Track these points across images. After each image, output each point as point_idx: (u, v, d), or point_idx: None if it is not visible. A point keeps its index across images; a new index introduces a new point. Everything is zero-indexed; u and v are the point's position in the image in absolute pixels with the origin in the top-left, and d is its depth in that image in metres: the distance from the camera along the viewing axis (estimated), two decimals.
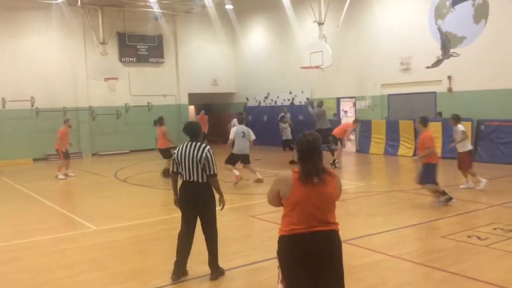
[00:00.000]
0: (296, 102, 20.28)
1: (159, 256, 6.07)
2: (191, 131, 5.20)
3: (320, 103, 14.92)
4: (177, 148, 5.26)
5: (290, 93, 20.52)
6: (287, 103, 20.66)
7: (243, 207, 8.78)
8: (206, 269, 5.25)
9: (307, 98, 16.96)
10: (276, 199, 3.20)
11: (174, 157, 5.22)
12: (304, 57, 16.53)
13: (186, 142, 5.23)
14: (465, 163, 9.79)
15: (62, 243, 6.89)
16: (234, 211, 8.50)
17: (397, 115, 16.51)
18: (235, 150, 11.07)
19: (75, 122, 19.47)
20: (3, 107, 17.98)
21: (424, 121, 8.33)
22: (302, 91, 19.85)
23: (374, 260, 5.64)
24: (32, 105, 18.50)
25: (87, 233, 7.36)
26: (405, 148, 15.86)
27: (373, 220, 7.58)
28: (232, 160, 11.23)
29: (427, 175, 8.11)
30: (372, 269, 5.34)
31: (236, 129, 11.16)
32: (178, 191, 5.26)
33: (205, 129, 19.15)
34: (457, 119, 9.88)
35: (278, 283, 3.19)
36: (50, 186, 12.39)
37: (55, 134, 18.65)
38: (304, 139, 3.13)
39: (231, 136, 11.22)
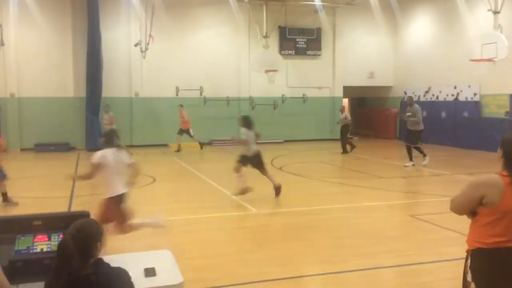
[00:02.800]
0: (462, 98, 18.79)
1: (315, 244, 6.24)
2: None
3: (411, 100, 13.95)
4: None
5: (455, 87, 19.07)
6: (451, 98, 19.26)
7: (401, 205, 8.51)
8: (364, 262, 5.25)
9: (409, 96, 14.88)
10: (472, 206, 2.81)
11: None
12: (474, 48, 15.18)
13: None
14: None
15: (227, 221, 7.52)
16: (392, 208, 8.31)
17: None
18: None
19: (236, 111, 20.88)
20: (177, 95, 20.00)
21: None
22: (469, 86, 18.30)
23: None
24: (201, 94, 20.27)
25: (249, 215, 7.90)
26: None
27: None
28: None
29: None
30: None
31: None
32: None
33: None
34: None
35: None
36: (214, 168, 13.48)
37: (220, 121, 20.36)
38: None
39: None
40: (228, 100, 20.64)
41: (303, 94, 21.79)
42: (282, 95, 21.41)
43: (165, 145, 19.29)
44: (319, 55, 22.10)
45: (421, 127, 13.21)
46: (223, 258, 5.69)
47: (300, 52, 21.84)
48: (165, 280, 3.00)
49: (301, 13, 21.31)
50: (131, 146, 19.15)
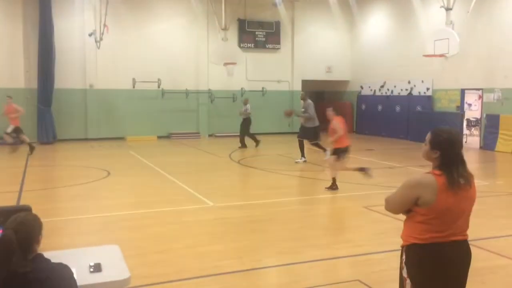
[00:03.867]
0: (415, 93, 19.33)
1: (271, 237, 6.26)
2: None
3: (304, 96, 13.48)
4: None
5: (409, 82, 19.60)
6: (405, 92, 19.79)
7: (355, 197, 8.66)
8: (319, 253, 5.30)
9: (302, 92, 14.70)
10: (407, 206, 2.79)
11: None
12: (427, 44, 15.61)
13: None
14: None
15: (182, 215, 7.41)
16: (346, 199, 8.45)
17: None
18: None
19: (195, 104, 20.69)
20: (134, 87, 19.56)
21: None
22: (422, 81, 18.85)
23: (498, 264, 5.26)
24: (159, 86, 19.92)
25: (205, 208, 7.83)
26: None
27: (499, 222, 7.03)
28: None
29: None
30: (496, 273, 4.99)
31: None
32: None
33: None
34: None
35: None
36: (171, 162, 13.31)
37: (178, 114, 20.10)
38: (452, 138, 2.74)
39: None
40: (187, 93, 20.40)
41: (262, 88, 21.82)
42: (241, 88, 21.35)
43: (121, 138, 18.88)
44: (278, 48, 22.16)
45: (316, 123, 12.72)
46: (178, 252, 5.61)
47: (260, 45, 21.83)
48: (111, 276, 2.90)
49: (261, 6, 21.29)
50: (86, 139, 18.66)
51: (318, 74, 22.87)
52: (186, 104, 20.45)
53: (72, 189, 9.59)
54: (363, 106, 22.36)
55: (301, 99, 13.47)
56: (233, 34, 20.90)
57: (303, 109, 13.03)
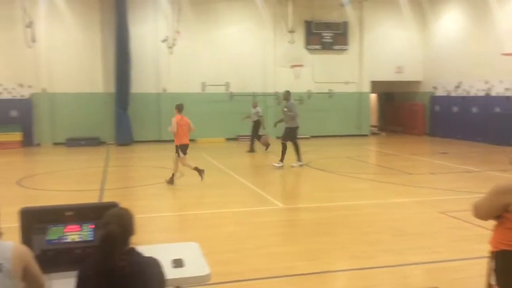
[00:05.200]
0: (493, 93, 18.31)
1: (342, 240, 6.20)
2: None
3: (288, 95, 12.91)
4: None
5: (486, 82, 18.59)
6: (482, 93, 18.79)
7: (430, 202, 8.36)
8: (393, 259, 5.19)
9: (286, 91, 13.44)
10: (496, 213, 2.74)
11: None
12: (506, 42, 14.78)
13: None
14: None
15: (253, 216, 7.53)
16: (421, 204, 8.17)
17: None
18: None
19: (263, 106, 20.87)
20: (203, 90, 20.12)
21: None
22: (501, 81, 17.80)
23: None
24: (227, 90, 20.34)
25: (275, 210, 7.90)
26: None
27: None
28: None
29: None
30: None
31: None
32: None
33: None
34: None
35: None
36: (240, 163, 13.53)
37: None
38: None
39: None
40: (254, 96, 20.64)
41: (329, 89, 21.61)
42: (308, 90, 21.28)
43: (192, 140, 19.40)
44: (346, 49, 21.86)
45: (297, 124, 12.50)
46: (250, 252, 5.71)
47: (327, 47, 21.65)
48: (192, 271, 3.03)
49: (327, 7, 21.12)
50: (160, 141, 19.44)
51: (387, 74, 22.29)
52: None
53: (148, 188, 10.03)
54: (437, 108, 21.49)
55: (284, 99, 12.90)
56: (299, 36, 20.93)
57: (285, 109, 12.59)
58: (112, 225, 2.44)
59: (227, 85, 20.30)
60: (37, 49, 17.93)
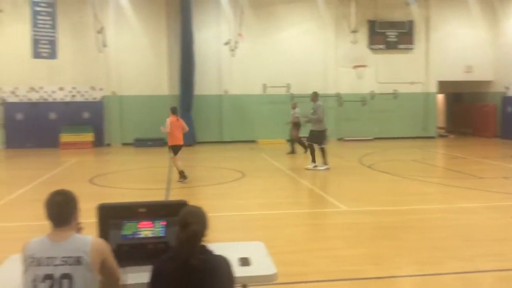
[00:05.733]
0: None
1: (408, 245, 6.02)
2: None
3: (315, 96, 12.42)
4: None
5: None
6: None
7: (503, 207, 7.92)
8: (463, 266, 4.97)
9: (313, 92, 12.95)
10: None
11: None
12: None
13: None
14: None
15: (315, 217, 7.49)
16: (492, 210, 7.77)
17: None
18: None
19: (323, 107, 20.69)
20: (264, 92, 20.27)
21: None
22: None
23: None
24: (288, 91, 20.35)
25: (337, 212, 7.80)
26: None
27: None
28: None
29: None
30: None
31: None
32: None
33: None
34: None
35: None
36: (300, 165, 13.46)
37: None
38: None
39: None
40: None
41: (394, 90, 21.04)
42: (371, 91, 20.85)
43: (253, 141, 19.64)
44: (411, 49, 21.21)
45: (323, 127, 12.15)
46: (313, 254, 5.68)
47: (391, 46, 21.12)
48: (259, 270, 3.06)
49: (392, 6, 20.61)
50: (221, 142, 19.80)
51: (455, 74, 21.36)
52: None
53: (210, 188, 10.25)
54: (509, 109, 20.34)
55: (311, 100, 12.51)
56: (362, 36, 20.57)
57: (312, 111, 12.28)
58: (194, 224, 2.53)
59: (287, 86, 20.32)
60: (107, 54, 18.87)
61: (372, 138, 20.47)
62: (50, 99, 19.23)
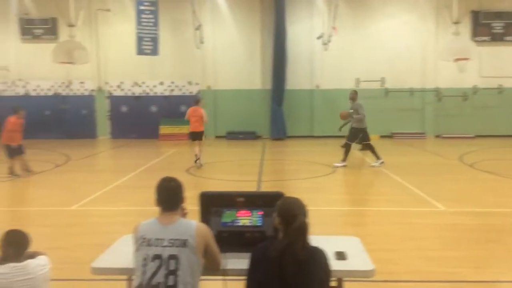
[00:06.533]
0: None
1: None
2: None
3: (354, 94, 12.22)
4: None
5: None
6: None
7: None
8: None
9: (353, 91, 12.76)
10: None
11: None
12: None
13: None
14: None
15: (409, 216, 7.23)
16: None
17: None
18: None
19: (420, 102, 19.85)
20: (357, 86, 19.82)
21: None
22: None
23: None
24: (382, 85, 19.75)
25: (435, 212, 7.47)
26: None
27: None
28: None
29: None
30: None
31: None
32: None
33: None
34: None
35: None
36: (395, 162, 13.03)
37: (402, 113, 19.61)
38: None
39: None
40: (411, 91, 19.72)
41: (499, 85, 19.55)
42: (474, 85, 19.55)
43: (344, 137, 19.32)
44: None
45: (364, 125, 11.87)
46: (407, 253, 5.51)
47: (497, 38, 19.64)
48: (356, 265, 3.06)
49: None
50: (311, 136, 19.76)
51: None
52: (410, 103, 19.80)
53: (301, 182, 10.31)
54: None
55: (350, 99, 12.20)
56: (465, 28, 19.35)
57: (351, 110, 11.99)
58: (300, 216, 2.61)
59: (382, 80, 19.72)
60: (204, 50, 19.61)
61: (473, 136, 19.21)
62: (151, 93, 20.46)
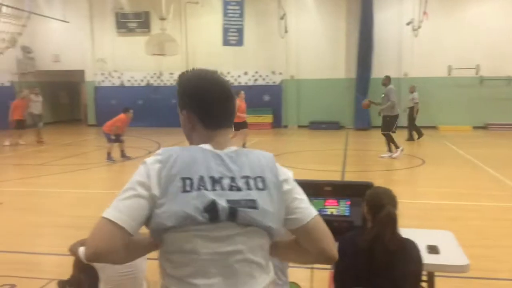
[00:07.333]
0: None
1: None
2: None
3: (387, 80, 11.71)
4: None
5: None
6: None
7: None
8: None
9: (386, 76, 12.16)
10: None
11: None
12: None
13: None
14: None
15: (510, 213, 6.79)
16: None
17: None
18: None
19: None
20: (449, 74, 18.79)
21: None
22: None
23: None
24: (476, 73, 18.52)
25: None
26: None
27: None
28: None
29: None
30: None
31: None
32: None
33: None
34: None
35: None
36: (490, 154, 12.23)
37: (498, 103, 18.27)
38: None
39: None
40: (509, 80, 18.30)
41: None
42: None
43: (433, 127, 18.46)
44: None
45: (396, 111, 11.51)
46: (505, 250, 5.18)
47: None
48: (450, 260, 2.93)
49: None
50: (397, 127, 19.02)
51: None
52: (508, 92, 18.38)
53: (389, 173, 10.02)
54: None
55: (383, 84, 11.81)
56: None
57: (383, 95, 11.51)
58: (390, 206, 2.57)
59: (477, 68, 18.49)
60: (288, 39, 19.60)
61: None
62: (235, 83, 20.86)
